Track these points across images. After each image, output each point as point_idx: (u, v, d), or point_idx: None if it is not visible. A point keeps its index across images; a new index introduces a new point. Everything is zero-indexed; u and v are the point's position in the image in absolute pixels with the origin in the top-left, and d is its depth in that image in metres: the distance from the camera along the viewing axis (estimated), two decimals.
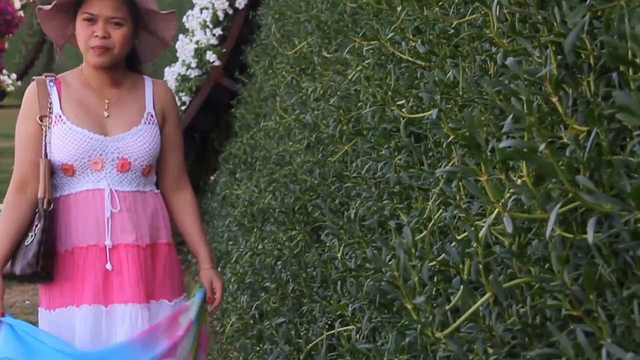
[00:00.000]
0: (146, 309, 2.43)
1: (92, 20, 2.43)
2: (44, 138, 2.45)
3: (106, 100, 2.52)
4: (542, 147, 0.99)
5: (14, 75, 22.49)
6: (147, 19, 2.54)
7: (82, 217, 2.43)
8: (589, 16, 1.19)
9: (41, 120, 2.47)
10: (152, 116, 2.56)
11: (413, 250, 1.32)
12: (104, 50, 2.44)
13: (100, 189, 2.46)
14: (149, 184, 2.55)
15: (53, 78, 2.54)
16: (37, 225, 2.41)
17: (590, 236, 0.99)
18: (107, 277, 2.43)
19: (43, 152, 2.44)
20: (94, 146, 2.45)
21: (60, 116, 2.46)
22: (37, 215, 2.43)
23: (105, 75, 2.53)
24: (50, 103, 2.47)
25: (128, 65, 2.59)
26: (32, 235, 2.42)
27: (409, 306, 1.17)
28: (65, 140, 2.44)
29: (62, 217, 2.44)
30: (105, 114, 2.51)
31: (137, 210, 2.49)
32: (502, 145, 1.07)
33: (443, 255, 1.38)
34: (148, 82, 2.62)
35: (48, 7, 2.51)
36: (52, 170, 2.45)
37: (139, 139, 2.50)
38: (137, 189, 2.51)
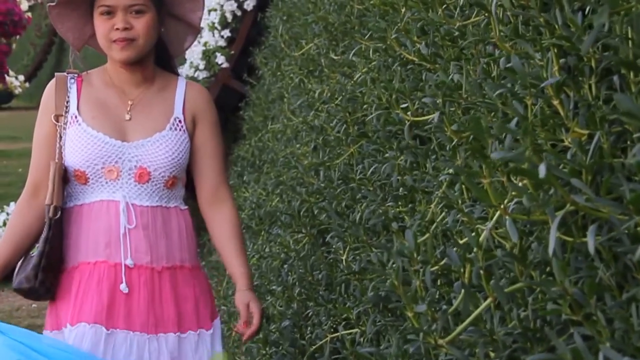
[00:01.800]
0: (154, 341, 2.18)
1: (110, 12, 2.19)
2: (58, 140, 2.24)
3: (129, 102, 2.27)
4: (542, 171, 0.98)
5: (21, 77, 22.57)
6: (170, 1, 2.28)
7: (94, 230, 2.20)
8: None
9: (56, 120, 2.24)
10: (180, 122, 2.28)
11: (415, 255, 1.32)
12: (127, 43, 2.19)
13: (115, 201, 2.21)
14: (174, 198, 2.27)
15: (75, 75, 2.29)
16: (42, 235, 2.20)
17: (591, 245, 0.98)
18: (113, 299, 2.17)
19: (57, 154, 2.22)
20: (108, 152, 2.20)
21: (76, 117, 2.24)
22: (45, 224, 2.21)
23: (131, 73, 2.27)
24: (68, 102, 2.25)
25: (160, 63, 2.33)
26: (37, 246, 2.20)
27: (409, 313, 1.17)
28: (78, 143, 2.21)
29: (73, 229, 2.22)
30: (127, 116, 2.26)
31: (156, 229, 2.22)
32: (494, 156, 1.07)
33: (445, 259, 1.38)
34: (181, 83, 2.34)
35: (54, 3, 2.26)
36: (66, 176, 2.23)
37: (160, 147, 2.23)
38: (159, 204, 2.24)
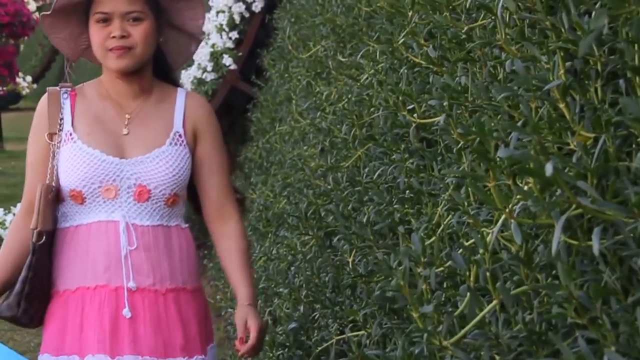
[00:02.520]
0: None
1: (106, 20, 2.08)
2: (51, 159, 2.12)
3: (127, 116, 2.15)
4: (548, 170, 0.98)
5: (29, 78, 22.66)
6: (169, 10, 2.18)
7: (93, 253, 2.08)
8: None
9: (50, 139, 2.13)
10: (180, 136, 2.16)
11: (422, 258, 1.32)
12: (124, 51, 2.09)
13: (114, 221, 2.09)
14: (174, 217, 2.17)
15: (69, 89, 2.17)
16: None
17: (595, 247, 0.99)
18: (116, 324, 2.06)
19: (49, 175, 2.11)
20: (105, 170, 2.09)
21: (70, 134, 2.12)
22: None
23: (127, 84, 2.16)
24: (62, 119, 2.13)
25: (159, 74, 2.23)
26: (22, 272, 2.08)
27: (415, 314, 1.17)
28: (74, 162, 2.09)
29: (68, 251, 2.10)
30: (125, 131, 2.14)
31: (158, 250, 2.11)
32: (501, 154, 1.07)
33: (450, 262, 1.39)
34: (181, 95, 2.22)
35: (48, 12, 2.15)
36: (61, 196, 2.12)
37: (160, 163, 2.11)
38: (160, 223, 2.13)
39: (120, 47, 2.08)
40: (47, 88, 2.22)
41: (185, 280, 2.15)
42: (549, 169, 1.00)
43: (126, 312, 2.05)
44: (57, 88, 2.18)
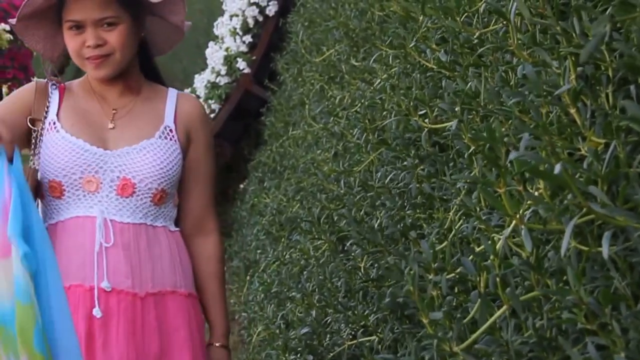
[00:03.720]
0: None
1: (79, 27, 1.95)
2: (32, 148, 1.99)
3: (113, 110, 2.04)
4: (557, 169, 0.98)
5: None
6: (148, 5, 2.03)
7: (67, 250, 1.93)
8: (609, 28, 1.19)
9: (32, 124, 2.00)
10: (171, 131, 2.04)
11: (430, 264, 1.32)
12: (102, 60, 1.97)
13: (91, 217, 1.95)
14: (162, 217, 2.02)
15: (57, 85, 2.07)
16: None
17: (605, 251, 0.99)
18: (91, 327, 1.92)
19: (30, 163, 1.98)
20: (88, 160, 1.96)
21: (54, 123, 2.00)
22: None
23: (112, 86, 2.05)
24: (47, 107, 2.01)
25: (149, 75, 2.12)
26: None
27: (425, 320, 1.17)
28: (55, 150, 1.97)
29: None
30: (110, 125, 2.03)
31: (139, 249, 1.97)
32: (512, 157, 1.07)
33: (461, 268, 1.39)
34: (172, 94, 2.11)
35: (14, 20, 2.00)
36: (41, 194, 1.99)
37: (147, 155, 1.99)
38: (143, 222, 1.99)
39: (97, 56, 1.97)
40: (35, 79, 2.11)
41: (176, 283, 2.02)
42: (557, 168, 1.00)
43: (96, 311, 1.91)
44: (45, 81, 2.08)
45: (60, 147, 1.97)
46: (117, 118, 2.04)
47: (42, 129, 2.00)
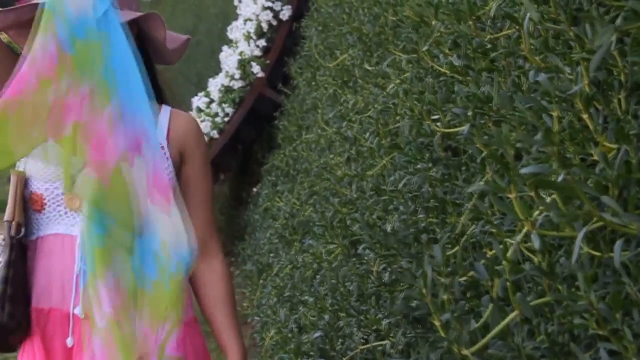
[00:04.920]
0: None
1: None
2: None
3: None
4: (560, 177, 0.99)
5: None
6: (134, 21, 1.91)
7: (47, 271, 1.85)
8: (618, 35, 1.19)
9: None
10: (162, 148, 1.90)
11: (442, 268, 1.32)
12: None
13: (72, 236, 1.84)
14: None
15: None
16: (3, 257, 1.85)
17: (617, 258, 0.99)
18: (69, 357, 1.83)
19: (19, 166, 1.90)
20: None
21: None
22: (3, 242, 1.87)
23: None
24: None
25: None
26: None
27: (437, 323, 1.18)
28: (40, 163, 1.87)
29: (31, 265, 1.88)
30: None
31: None
32: (523, 171, 1.07)
33: (472, 272, 1.39)
34: (165, 111, 1.97)
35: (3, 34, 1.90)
36: (25, 199, 1.89)
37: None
38: None
39: None
40: None
41: None
42: (561, 177, 1.00)
43: (69, 340, 1.82)
44: None
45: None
46: None
47: None
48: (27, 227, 1.90)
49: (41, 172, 1.87)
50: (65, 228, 1.86)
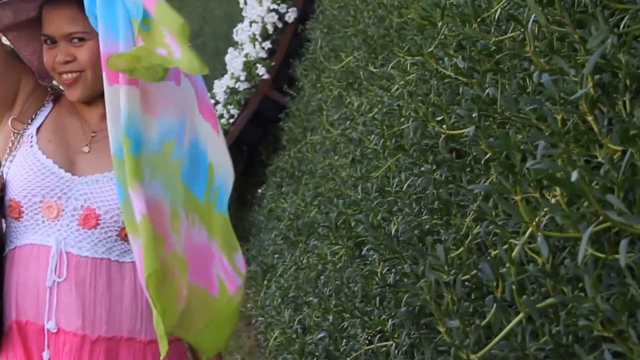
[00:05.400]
0: None
1: (53, 41, 1.82)
2: (7, 153, 1.86)
3: (92, 133, 1.87)
4: (574, 176, 0.99)
5: None
6: None
7: (22, 282, 1.79)
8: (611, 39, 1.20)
9: (13, 126, 1.87)
10: None
11: (446, 268, 1.33)
12: (73, 80, 1.81)
13: (47, 246, 1.78)
14: (131, 252, 1.74)
15: (53, 97, 1.93)
16: None
17: (622, 259, 0.99)
18: None
19: (4, 169, 1.85)
20: (51, 183, 1.79)
21: (32, 136, 1.86)
22: None
23: (91, 107, 1.89)
24: (35, 115, 1.89)
25: None
26: None
27: (441, 329, 1.18)
28: (21, 166, 1.82)
29: (7, 275, 1.82)
30: (86, 148, 1.85)
31: (95, 286, 1.77)
32: (529, 165, 1.07)
33: (477, 272, 1.39)
34: None
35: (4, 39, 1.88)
36: (3, 211, 1.84)
37: (115, 186, 1.73)
38: (106, 256, 1.79)
39: (67, 71, 1.82)
40: (39, 81, 1.94)
41: (135, 329, 1.81)
42: (574, 176, 1.00)
43: (45, 354, 1.77)
44: (47, 84, 1.93)
45: (26, 164, 1.82)
46: (94, 142, 1.87)
47: (20, 138, 1.87)
48: (6, 235, 1.85)
49: (20, 178, 1.81)
50: (41, 238, 1.80)
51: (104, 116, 1.81)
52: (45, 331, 1.77)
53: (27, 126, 1.88)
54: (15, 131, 1.87)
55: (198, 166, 1.76)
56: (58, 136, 1.87)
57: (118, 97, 1.64)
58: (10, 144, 1.87)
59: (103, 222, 1.79)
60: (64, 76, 1.83)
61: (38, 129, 1.87)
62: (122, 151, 1.63)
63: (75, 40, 1.81)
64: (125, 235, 1.75)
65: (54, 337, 1.77)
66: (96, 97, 1.85)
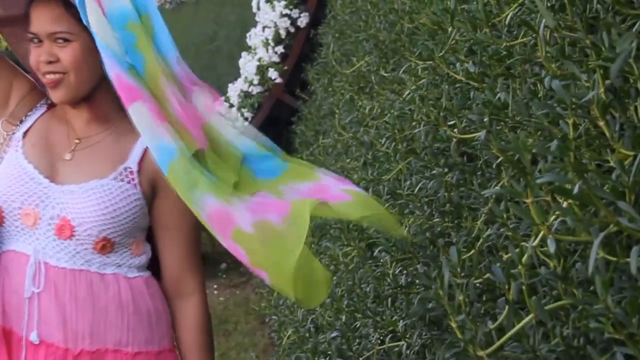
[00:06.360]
0: None
1: (38, 40, 1.76)
2: None
3: (76, 140, 1.81)
4: (577, 188, 1.01)
5: None
6: None
7: (7, 288, 1.75)
8: (636, 43, 1.21)
9: (4, 129, 1.83)
10: (131, 172, 1.77)
11: (459, 269, 1.34)
12: (56, 82, 1.74)
13: (26, 255, 1.74)
14: (113, 265, 1.75)
15: (48, 101, 1.86)
16: None
17: (633, 265, 1.00)
18: None
19: None
20: (30, 190, 1.74)
21: (19, 141, 1.81)
22: None
23: (76, 111, 1.81)
24: (25, 117, 1.84)
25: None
26: None
27: (453, 324, 1.20)
28: (4, 170, 1.78)
29: None
30: (68, 156, 1.79)
31: (76, 298, 1.72)
32: (539, 181, 1.09)
33: (488, 274, 1.41)
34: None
35: None
36: None
37: (93, 197, 1.72)
38: (85, 268, 1.74)
39: (49, 72, 1.75)
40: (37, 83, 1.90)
41: (122, 341, 1.76)
42: (577, 188, 1.02)
43: None
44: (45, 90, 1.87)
45: (8, 169, 1.78)
46: (77, 149, 1.80)
47: (10, 140, 1.83)
48: None
49: (1, 183, 1.77)
50: (22, 246, 1.76)
51: (89, 121, 1.81)
52: (24, 342, 1.72)
53: (16, 128, 1.83)
54: (7, 133, 1.83)
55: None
56: (43, 141, 1.82)
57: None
58: (0, 146, 1.83)
59: (78, 234, 1.73)
60: (47, 77, 1.76)
61: (26, 132, 1.83)
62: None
63: (60, 41, 1.74)
64: (102, 247, 1.74)
65: (35, 349, 1.72)
66: (81, 101, 1.79)
